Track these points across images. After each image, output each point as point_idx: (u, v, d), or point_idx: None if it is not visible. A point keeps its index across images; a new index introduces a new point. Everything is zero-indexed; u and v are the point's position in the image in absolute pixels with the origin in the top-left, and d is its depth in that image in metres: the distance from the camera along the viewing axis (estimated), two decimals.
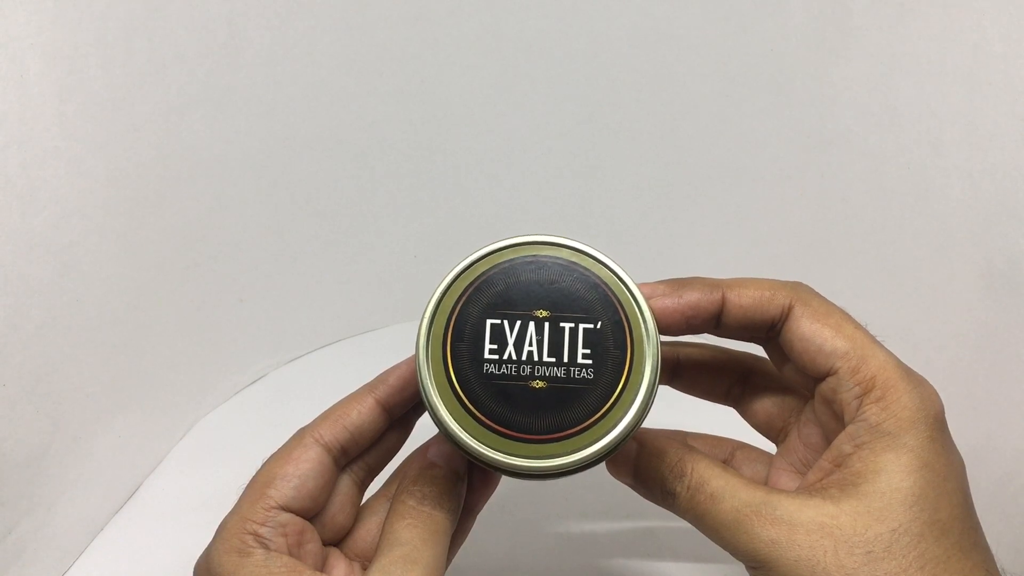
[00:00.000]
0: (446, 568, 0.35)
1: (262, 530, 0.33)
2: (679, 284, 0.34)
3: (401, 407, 0.38)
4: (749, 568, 0.32)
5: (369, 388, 0.38)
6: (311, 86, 0.62)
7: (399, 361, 0.39)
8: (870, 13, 0.56)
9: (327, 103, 0.63)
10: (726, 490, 0.33)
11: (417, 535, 0.33)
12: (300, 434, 0.37)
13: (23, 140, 0.43)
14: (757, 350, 0.40)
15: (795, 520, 0.31)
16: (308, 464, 0.35)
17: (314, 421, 0.37)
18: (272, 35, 0.59)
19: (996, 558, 0.33)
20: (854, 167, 0.59)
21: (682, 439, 0.38)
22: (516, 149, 0.68)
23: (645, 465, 0.35)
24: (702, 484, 0.33)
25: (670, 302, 0.33)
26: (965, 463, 0.33)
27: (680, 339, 0.40)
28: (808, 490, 0.33)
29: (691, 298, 0.34)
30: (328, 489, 0.37)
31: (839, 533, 0.30)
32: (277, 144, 0.62)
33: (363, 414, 0.37)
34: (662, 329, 0.33)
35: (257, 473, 0.36)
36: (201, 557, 0.34)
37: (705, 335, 0.37)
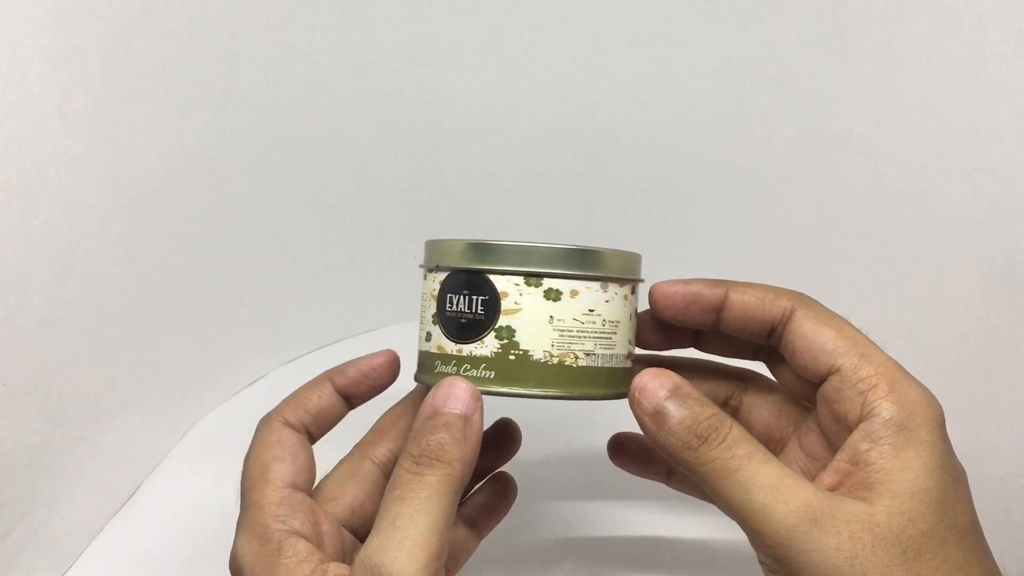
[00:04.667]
0: (451, 526, 0.32)
1: (281, 509, 0.34)
2: (688, 279, 0.37)
3: (360, 399, 0.39)
4: (769, 544, 0.31)
5: (328, 376, 0.39)
6: (311, 86, 0.62)
7: (361, 356, 0.40)
8: (870, 13, 0.56)
9: (327, 103, 0.63)
10: (767, 454, 0.32)
11: (407, 509, 0.31)
12: (267, 420, 0.38)
13: (23, 140, 0.43)
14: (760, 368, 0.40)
15: (836, 508, 0.30)
16: (290, 442, 0.37)
17: (276, 407, 0.38)
18: (272, 35, 0.59)
19: (997, 559, 0.33)
20: (854, 167, 0.59)
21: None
22: (516, 149, 0.68)
23: (679, 406, 0.33)
24: (741, 440, 0.32)
25: (675, 288, 0.37)
26: (965, 464, 0.33)
27: (663, 355, 0.41)
28: (834, 494, 0.32)
29: (695, 287, 0.37)
30: (314, 462, 0.37)
31: (878, 530, 0.30)
32: (277, 144, 0.62)
33: (323, 399, 0.38)
34: (664, 310, 0.37)
35: (246, 468, 0.36)
36: (231, 552, 0.35)
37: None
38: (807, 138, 0.62)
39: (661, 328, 0.39)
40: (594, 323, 0.35)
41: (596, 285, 0.35)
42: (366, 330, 0.72)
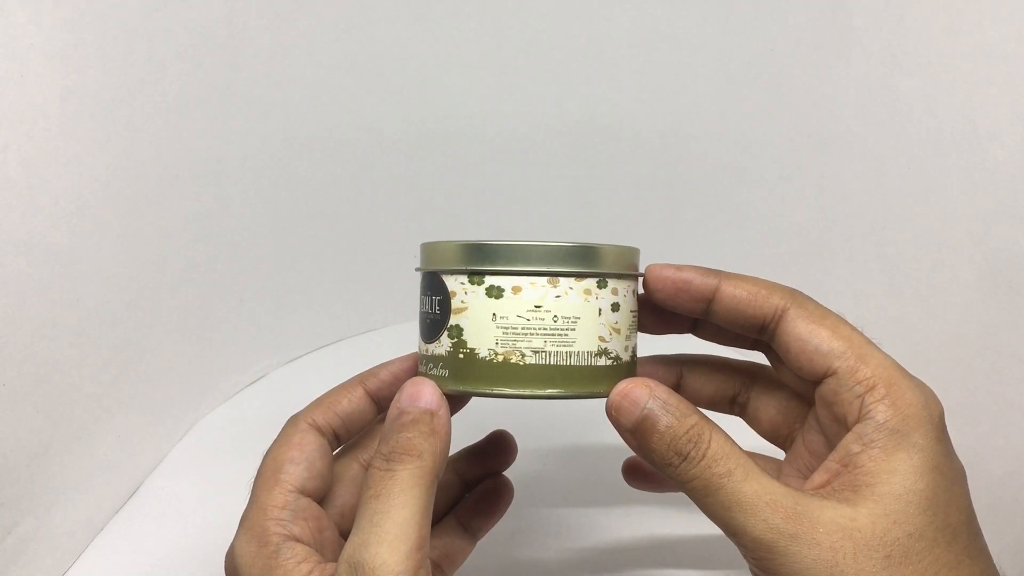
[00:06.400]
0: (430, 517, 0.32)
1: (283, 513, 0.34)
2: (682, 265, 0.37)
3: (390, 402, 0.38)
4: (753, 557, 0.31)
5: (360, 379, 0.39)
6: (311, 86, 0.62)
7: (392, 358, 0.40)
8: (870, 13, 0.56)
9: (327, 103, 0.63)
10: (747, 470, 0.32)
11: (383, 505, 0.31)
12: (294, 420, 0.38)
13: (23, 140, 0.43)
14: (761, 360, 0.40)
15: (816, 518, 0.30)
16: (311, 446, 0.36)
17: (306, 408, 0.38)
18: (272, 35, 0.59)
19: (996, 559, 0.33)
20: (854, 167, 0.59)
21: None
22: (516, 148, 0.68)
23: (658, 417, 0.33)
24: (719, 457, 0.32)
25: (668, 273, 0.36)
26: (965, 464, 0.33)
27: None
28: (820, 492, 0.32)
29: (687, 274, 0.36)
30: (331, 470, 0.37)
31: (859, 536, 0.30)
32: (277, 144, 0.62)
33: (353, 402, 0.38)
34: (654, 292, 0.37)
35: (262, 465, 0.36)
36: (228, 550, 0.35)
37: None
38: (807, 138, 0.62)
39: (657, 312, 0.38)
40: (543, 319, 0.34)
41: (541, 280, 0.34)
42: (366, 330, 0.72)
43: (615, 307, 0.35)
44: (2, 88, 0.41)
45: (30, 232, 0.43)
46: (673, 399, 0.33)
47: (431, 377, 0.35)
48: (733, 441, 0.33)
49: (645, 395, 0.33)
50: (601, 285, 0.35)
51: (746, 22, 0.63)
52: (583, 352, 0.35)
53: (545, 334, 0.34)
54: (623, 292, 0.36)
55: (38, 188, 0.44)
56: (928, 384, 0.34)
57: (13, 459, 0.43)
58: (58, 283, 0.46)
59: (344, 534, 0.37)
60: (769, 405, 0.39)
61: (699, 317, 0.38)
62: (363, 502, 0.31)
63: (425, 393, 0.34)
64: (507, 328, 0.34)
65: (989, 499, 0.39)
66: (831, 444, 0.35)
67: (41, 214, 0.44)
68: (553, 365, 0.34)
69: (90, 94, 0.47)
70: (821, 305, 0.35)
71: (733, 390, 0.40)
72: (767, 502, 0.31)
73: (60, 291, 0.46)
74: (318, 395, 0.39)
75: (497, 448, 0.42)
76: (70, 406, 0.48)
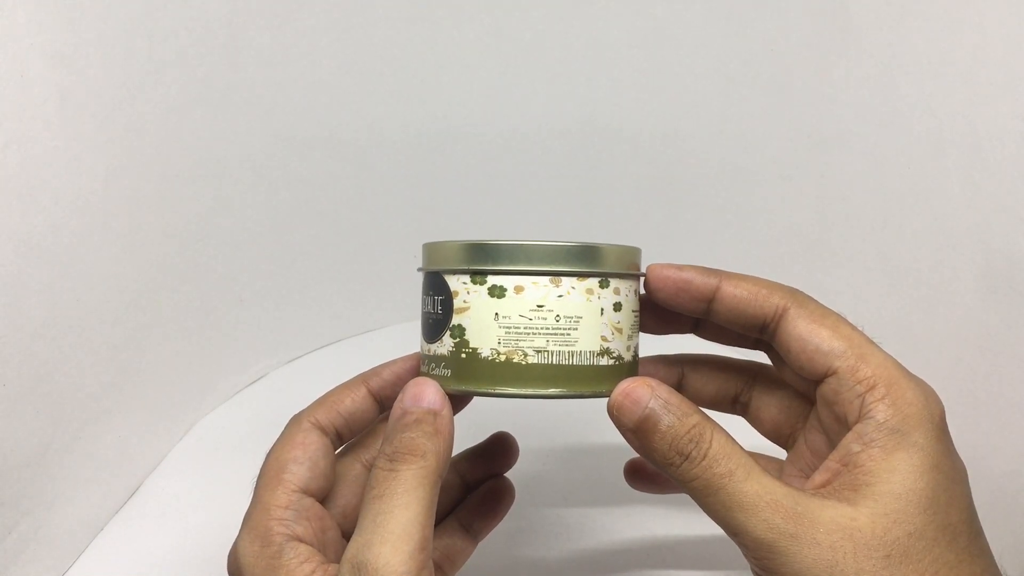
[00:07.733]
0: (433, 517, 0.32)
1: (287, 513, 0.34)
2: (683, 264, 0.37)
3: (392, 401, 0.38)
4: (754, 557, 0.31)
5: (363, 378, 0.39)
6: (311, 86, 0.62)
7: (395, 358, 0.40)
8: (870, 13, 0.56)
9: (327, 103, 0.63)
10: (748, 470, 0.32)
11: (386, 506, 0.31)
12: (297, 419, 0.38)
13: (23, 140, 0.43)
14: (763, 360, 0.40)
15: (816, 518, 0.30)
16: (314, 445, 0.36)
17: (309, 407, 0.38)
18: (272, 35, 0.59)
19: (997, 558, 0.33)
20: (854, 167, 0.59)
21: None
22: (517, 149, 0.68)
23: (659, 417, 0.33)
24: (721, 456, 0.32)
25: (669, 272, 0.36)
26: (965, 463, 0.33)
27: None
28: (820, 492, 0.32)
29: (688, 274, 0.36)
30: (334, 470, 0.37)
31: (859, 536, 0.30)
32: (277, 144, 0.62)
33: (356, 401, 0.38)
34: (655, 292, 0.37)
35: (265, 464, 0.36)
36: (231, 549, 0.35)
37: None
38: (807, 138, 0.62)
39: (659, 312, 0.38)
40: (545, 319, 0.34)
41: (544, 280, 0.34)
42: (366, 330, 0.72)
43: (617, 307, 0.35)
44: (2, 88, 0.41)
45: (30, 232, 0.43)
46: (675, 399, 0.33)
47: (433, 377, 0.35)
48: (734, 441, 0.33)
49: (647, 394, 0.33)
50: (603, 285, 0.35)
51: (746, 22, 0.63)
52: (585, 352, 0.35)
53: (547, 333, 0.34)
54: (625, 292, 0.36)
55: (38, 188, 0.44)
56: (928, 384, 0.34)
57: (13, 459, 0.43)
58: (58, 283, 0.46)
59: (346, 534, 0.37)
60: (771, 405, 0.39)
61: (700, 317, 0.38)
62: (366, 502, 0.31)
63: (428, 393, 0.34)
64: (509, 328, 0.34)
65: (990, 498, 0.39)
66: (832, 443, 0.35)
67: (41, 214, 0.44)
68: (555, 364, 0.34)
69: (90, 94, 0.47)
70: (822, 304, 0.35)
71: (735, 390, 0.40)
72: (768, 502, 0.31)
73: (60, 291, 0.46)
74: (318, 395, 0.39)
75: (499, 450, 0.42)
76: (70, 406, 0.48)
